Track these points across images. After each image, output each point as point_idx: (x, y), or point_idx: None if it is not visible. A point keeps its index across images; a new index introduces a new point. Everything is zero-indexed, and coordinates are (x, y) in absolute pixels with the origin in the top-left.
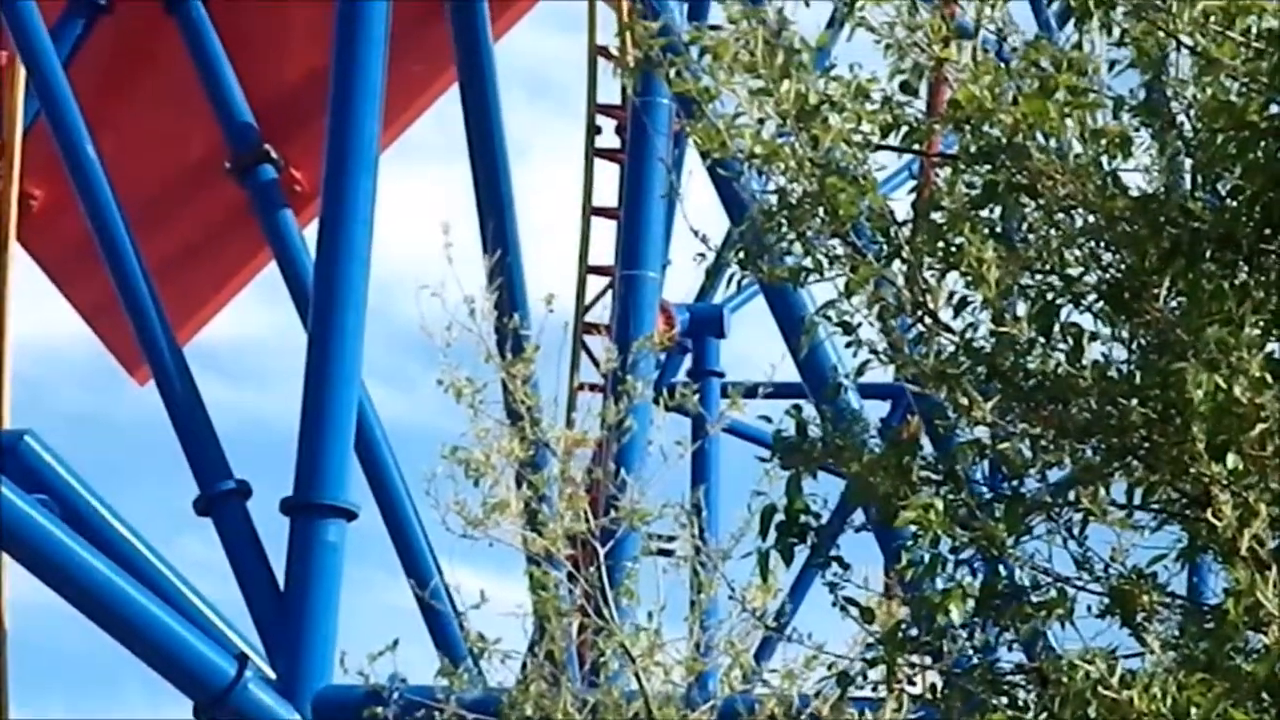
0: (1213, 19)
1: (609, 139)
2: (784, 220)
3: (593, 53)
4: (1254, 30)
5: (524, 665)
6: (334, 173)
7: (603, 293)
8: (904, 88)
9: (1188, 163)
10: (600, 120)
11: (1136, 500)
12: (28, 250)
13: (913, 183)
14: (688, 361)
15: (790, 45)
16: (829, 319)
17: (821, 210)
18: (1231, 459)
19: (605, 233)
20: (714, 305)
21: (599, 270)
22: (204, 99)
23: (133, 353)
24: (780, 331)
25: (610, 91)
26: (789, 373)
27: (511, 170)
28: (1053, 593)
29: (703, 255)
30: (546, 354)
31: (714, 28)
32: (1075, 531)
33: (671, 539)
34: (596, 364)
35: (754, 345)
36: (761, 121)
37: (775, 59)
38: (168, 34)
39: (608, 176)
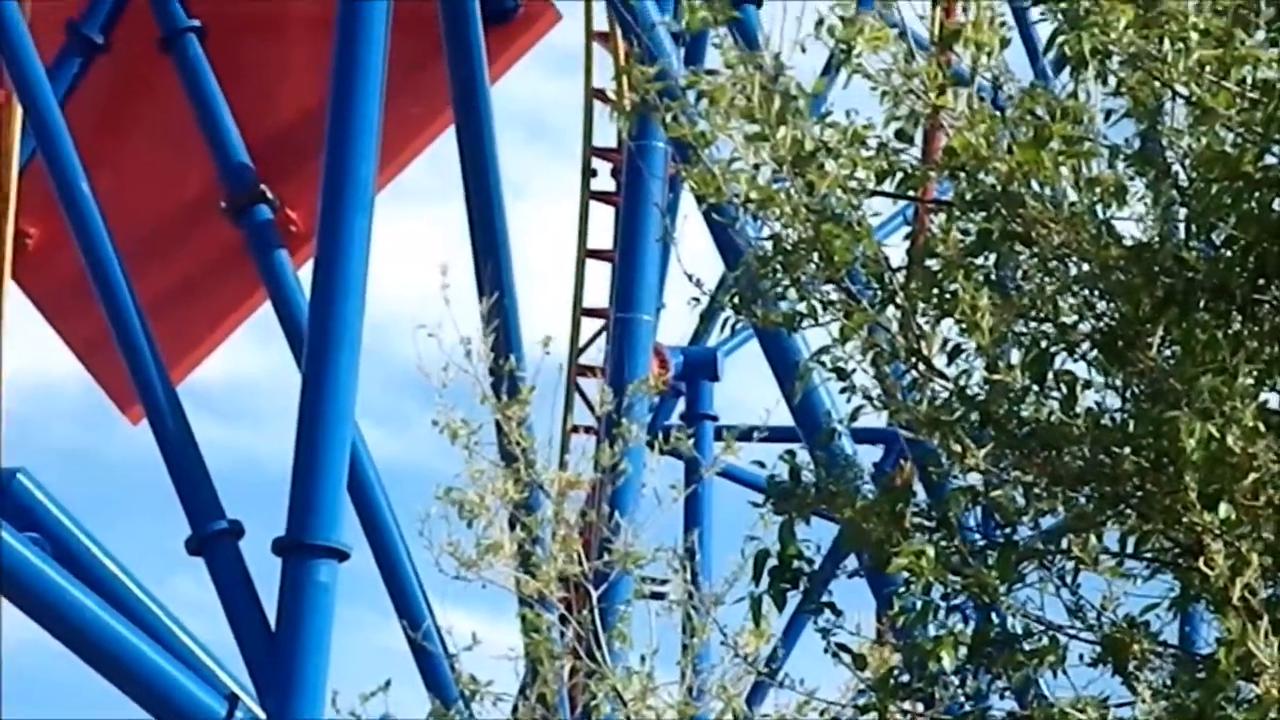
0: (1208, 69)
1: (604, 182)
2: (779, 265)
3: (589, 96)
4: (1249, 81)
5: (515, 708)
6: (329, 213)
7: (597, 335)
8: (899, 135)
9: (1182, 212)
10: (596, 163)
11: (1129, 549)
12: (22, 287)
13: (907, 228)
14: (682, 404)
15: (786, 91)
16: (823, 364)
17: (816, 256)
18: (1224, 508)
19: (600, 275)
20: (708, 348)
21: (594, 313)
22: (200, 138)
23: (126, 391)
24: (774, 375)
25: (606, 134)
26: (783, 416)
27: (507, 212)
28: (1045, 641)
29: (697, 299)
30: (541, 396)
31: (710, 72)
32: (1067, 579)
33: (664, 583)
34: (591, 406)
35: (748, 389)
36: (757, 167)
37: (771, 105)
38: (164, 73)
39: (603, 219)
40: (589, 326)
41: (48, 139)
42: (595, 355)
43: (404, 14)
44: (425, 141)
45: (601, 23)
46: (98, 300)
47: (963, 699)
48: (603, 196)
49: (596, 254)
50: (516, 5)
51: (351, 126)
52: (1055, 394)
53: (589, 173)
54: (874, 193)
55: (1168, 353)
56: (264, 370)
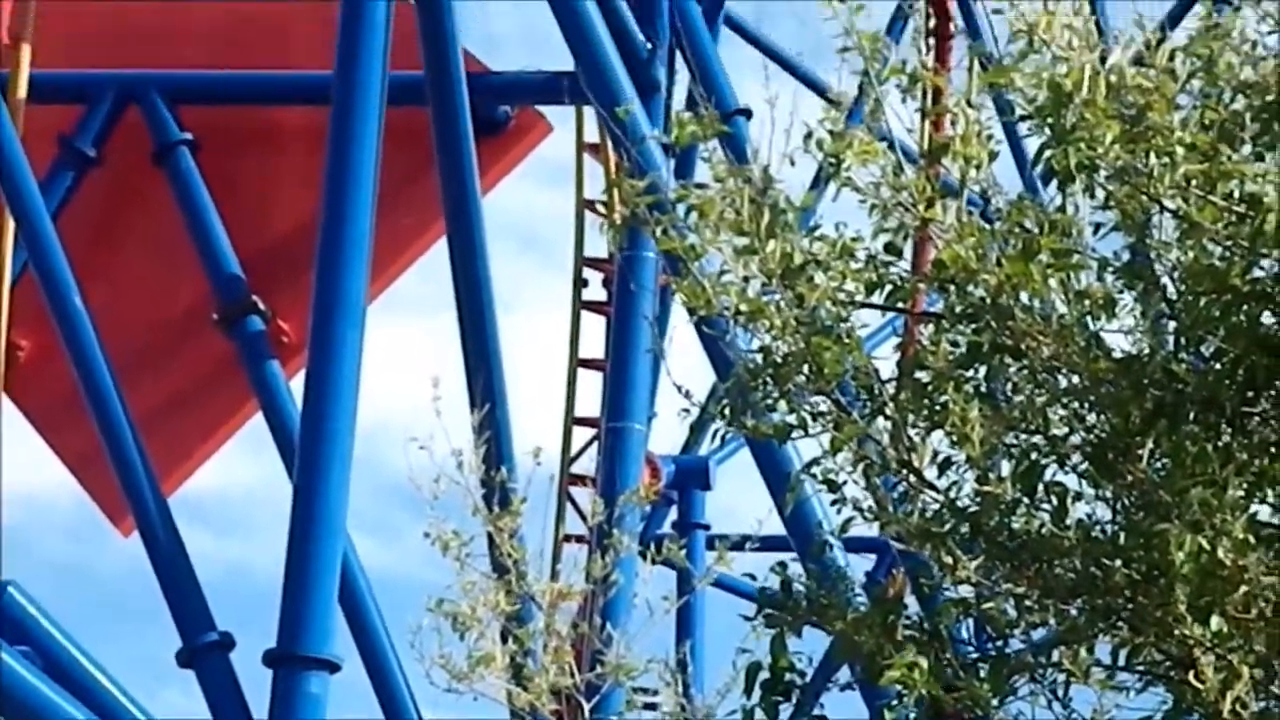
0: (1194, 183)
1: (596, 291)
2: (769, 377)
3: (580, 207)
4: (1235, 195)
5: None
6: (321, 324)
7: (589, 444)
8: (888, 248)
9: (1171, 325)
10: (587, 273)
11: (1120, 661)
12: (13, 400)
13: (897, 339)
14: (674, 513)
15: (775, 204)
16: (814, 476)
17: (806, 367)
18: (1215, 621)
19: (591, 385)
20: (700, 457)
21: (585, 422)
22: (192, 249)
23: (117, 503)
24: (766, 485)
25: (598, 244)
26: (776, 525)
27: (499, 322)
28: None
29: (687, 411)
30: (533, 506)
31: (700, 186)
32: (1059, 692)
33: (657, 694)
34: (583, 516)
35: (740, 497)
36: (747, 279)
37: (761, 218)
38: (157, 185)
39: (594, 329)
40: (581, 435)
41: (40, 252)
42: (587, 464)
43: (396, 126)
44: (417, 253)
45: (593, 134)
46: (89, 413)
47: None
48: (594, 306)
49: (588, 363)
50: (508, 117)
51: (343, 237)
52: (1046, 506)
53: (580, 283)
54: (863, 305)
55: (1158, 465)
56: (256, 481)
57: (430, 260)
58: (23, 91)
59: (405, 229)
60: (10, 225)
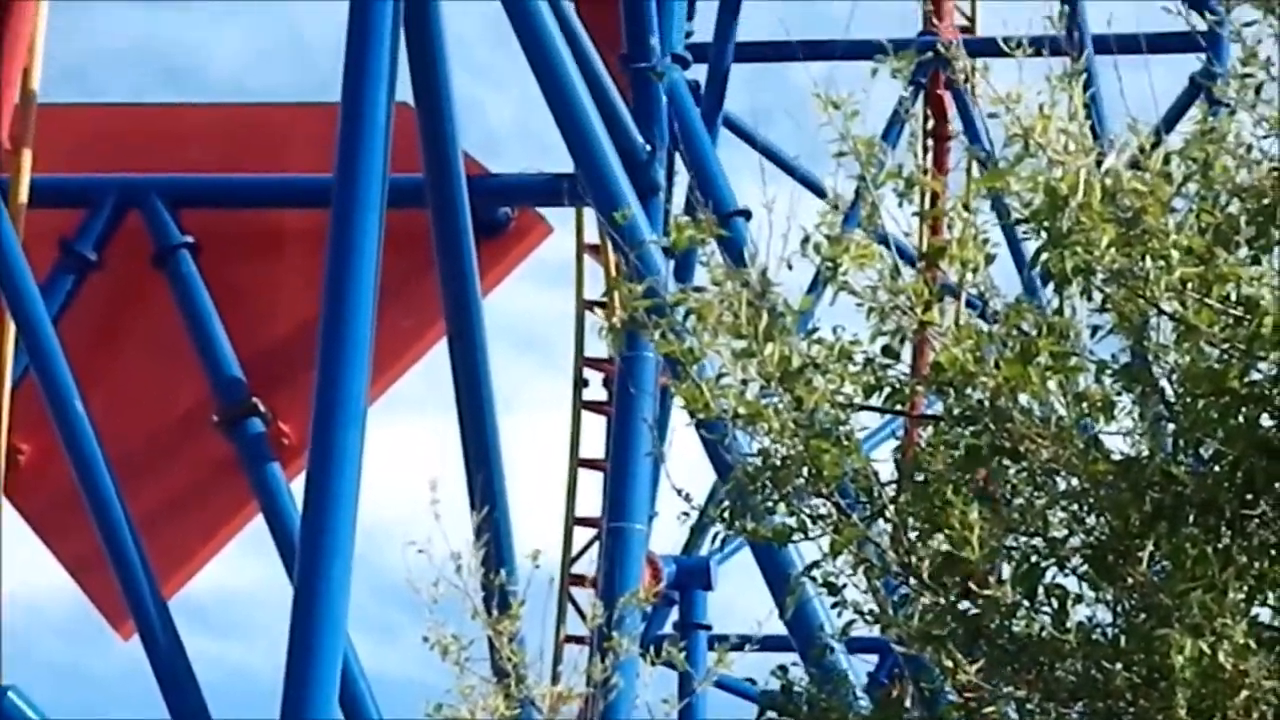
0: (1190, 286)
1: (596, 391)
2: (768, 480)
3: (581, 308)
4: (1231, 297)
5: None
6: (322, 426)
7: (589, 545)
8: (886, 351)
9: (1170, 427)
10: (588, 373)
11: None
12: (13, 503)
13: (896, 441)
14: (675, 613)
15: (773, 307)
16: (814, 579)
17: (805, 470)
18: None
19: (592, 484)
20: (701, 558)
21: (585, 522)
22: (192, 352)
23: (117, 607)
24: (767, 586)
25: (598, 344)
26: (777, 625)
27: (499, 422)
28: None
29: (687, 514)
30: (533, 607)
31: (698, 289)
32: None
33: None
34: (583, 616)
35: (742, 596)
36: (745, 382)
37: (759, 321)
38: (157, 288)
39: (595, 429)
40: (582, 536)
41: (40, 356)
42: (588, 564)
43: (396, 227)
44: (418, 354)
45: (593, 235)
46: (89, 516)
47: None
48: (595, 406)
49: (589, 463)
50: (508, 218)
51: (344, 339)
52: (1046, 609)
53: (581, 383)
54: (862, 407)
55: (1158, 568)
56: (256, 583)
57: (431, 360)
58: (24, 196)
59: (406, 330)
60: (11, 329)
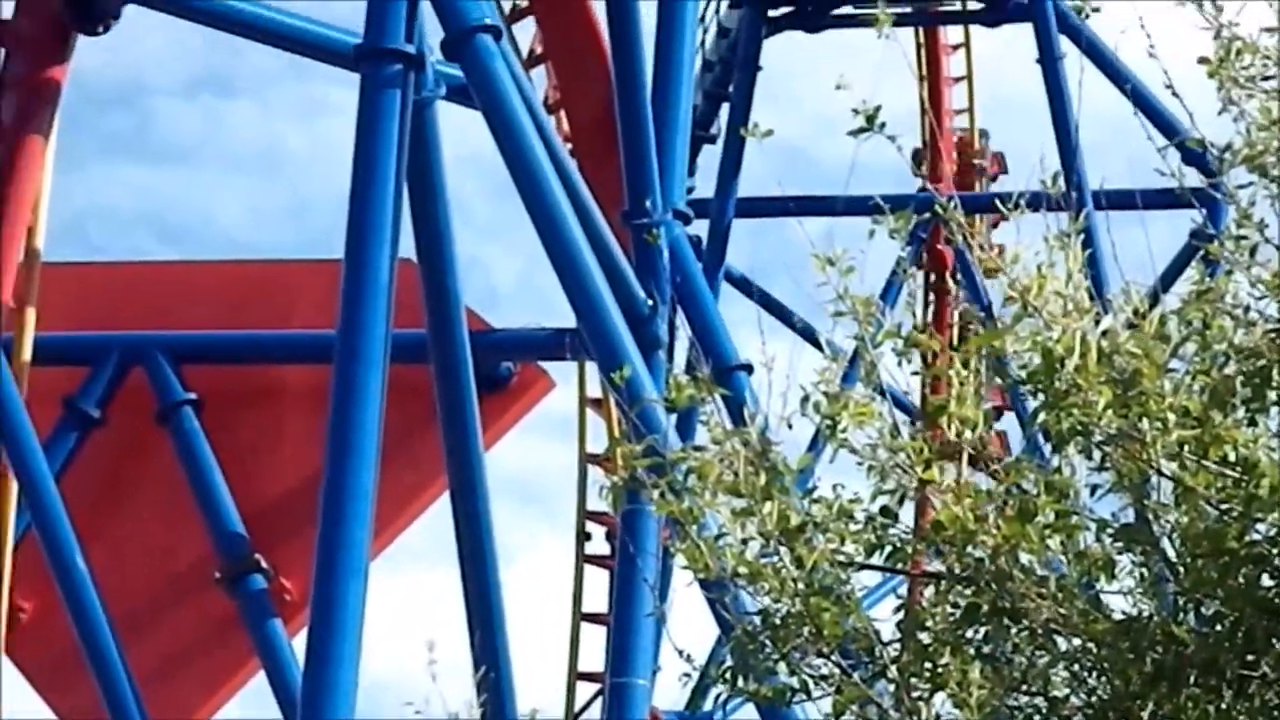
0: (1187, 448)
1: (599, 545)
2: (769, 639)
3: (583, 462)
4: (1229, 458)
5: None
6: (323, 582)
7: (592, 699)
8: (884, 512)
9: (1171, 587)
10: (590, 527)
11: None
12: (13, 660)
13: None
14: None
15: (773, 466)
16: None
17: (806, 629)
18: None
19: (595, 639)
20: (705, 713)
21: (588, 677)
22: (194, 508)
23: None
24: None
25: (600, 496)
26: None
27: (502, 575)
28: None
29: (689, 675)
30: None
31: (698, 448)
32: None
33: None
34: None
35: None
36: (745, 541)
37: (758, 480)
38: (160, 444)
39: (598, 582)
40: (584, 691)
41: (42, 514)
42: None
43: (398, 382)
44: (419, 508)
45: (595, 388)
46: (90, 673)
47: None
48: (597, 560)
49: (591, 618)
50: (510, 373)
51: (345, 494)
52: None
53: (583, 537)
54: (863, 566)
55: None
56: None
57: (433, 514)
58: (27, 355)
59: (408, 485)
60: (14, 487)
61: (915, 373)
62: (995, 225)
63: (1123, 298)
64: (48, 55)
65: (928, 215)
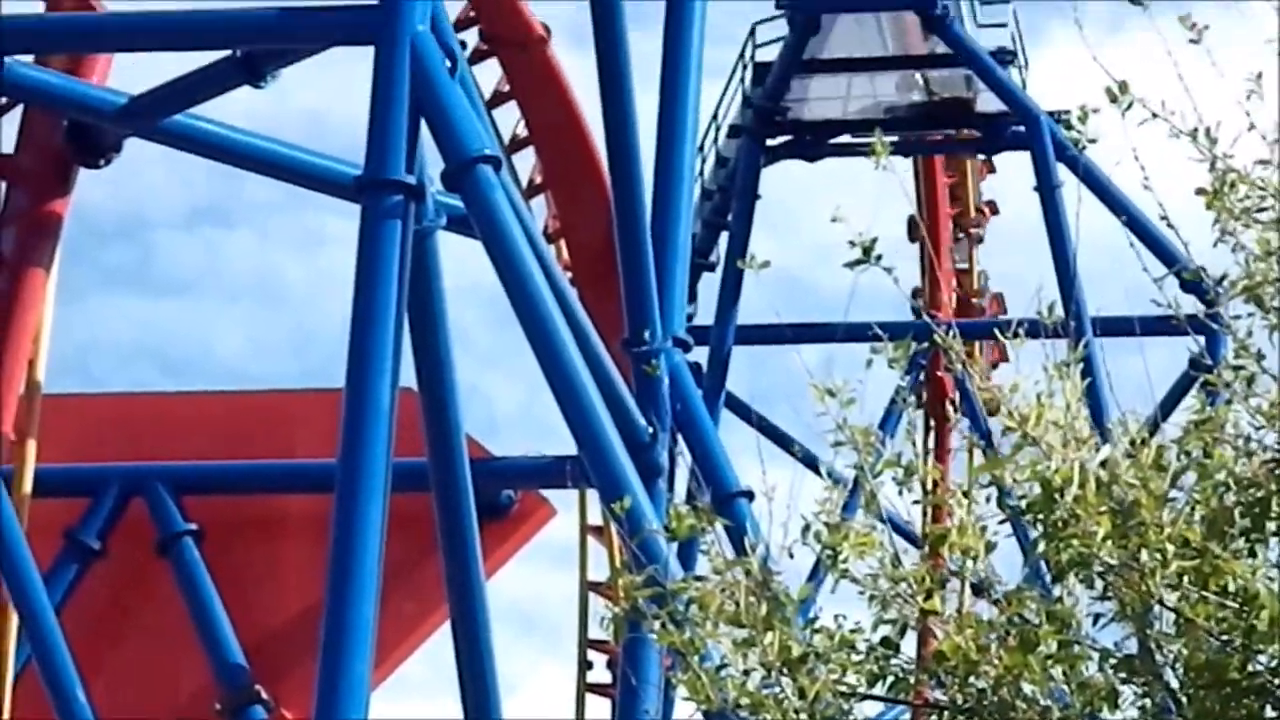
0: (1187, 579)
1: (600, 673)
2: None
3: (584, 590)
4: (1229, 588)
5: None
6: (324, 713)
7: None
8: (885, 642)
9: (1174, 718)
10: (592, 655)
11: None
12: None
13: None
14: None
15: (775, 596)
16: None
17: None
18: None
19: None
20: None
21: None
22: (195, 638)
23: None
24: None
25: (602, 627)
26: None
27: (503, 705)
28: None
29: None
30: None
31: (699, 578)
32: None
33: None
34: None
35: None
36: (747, 672)
37: (760, 610)
38: (160, 574)
39: (601, 710)
40: None
41: (43, 646)
42: None
43: (399, 511)
44: (420, 638)
45: (596, 516)
46: None
47: None
48: (599, 689)
49: None
50: (511, 501)
51: (346, 624)
52: None
53: (585, 665)
54: (865, 696)
55: None
56: None
57: (434, 643)
58: (28, 487)
59: (409, 614)
60: (14, 620)
61: (916, 502)
62: (995, 365)
63: (1121, 427)
64: (50, 189)
65: (926, 344)
